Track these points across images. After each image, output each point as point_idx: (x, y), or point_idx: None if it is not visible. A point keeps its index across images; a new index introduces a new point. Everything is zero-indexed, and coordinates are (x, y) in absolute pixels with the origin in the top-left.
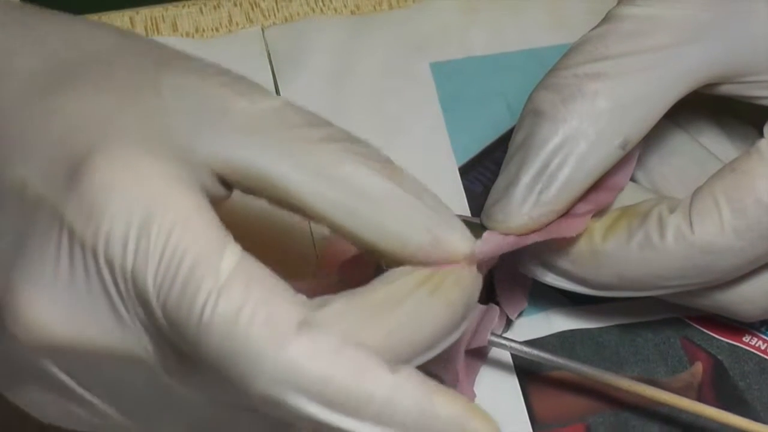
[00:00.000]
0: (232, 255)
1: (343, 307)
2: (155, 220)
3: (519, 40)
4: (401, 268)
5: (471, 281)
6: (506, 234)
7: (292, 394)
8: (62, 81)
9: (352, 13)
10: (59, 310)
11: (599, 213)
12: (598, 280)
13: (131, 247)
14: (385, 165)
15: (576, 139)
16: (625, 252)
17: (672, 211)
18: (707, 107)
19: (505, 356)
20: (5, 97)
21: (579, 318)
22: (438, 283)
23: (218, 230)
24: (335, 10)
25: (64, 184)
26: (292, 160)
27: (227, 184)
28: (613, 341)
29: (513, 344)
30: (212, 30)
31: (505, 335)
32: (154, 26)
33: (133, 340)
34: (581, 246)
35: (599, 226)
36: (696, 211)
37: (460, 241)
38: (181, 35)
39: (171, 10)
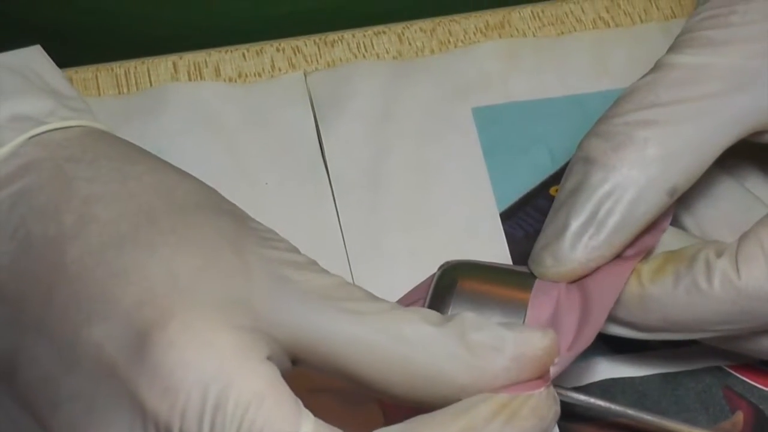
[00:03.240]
0: (306, 429)
1: None
2: (231, 396)
3: (560, 86)
4: (477, 396)
5: (548, 407)
6: (554, 281)
7: None
8: (143, 232)
9: (395, 58)
10: None
11: (644, 256)
12: (644, 324)
13: (207, 423)
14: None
15: (626, 187)
16: (672, 296)
17: (719, 255)
18: (753, 153)
19: None
20: (86, 247)
21: (621, 366)
22: (515, 411)
23: (292, 404)
24: (377, 55)
25: (138, 352)
26: (359, 327)
27: (292, 357)
28: (655, 390)
29: (565, 392)
30: (255, 75)
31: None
32: (198, 71)
33: None
34: (629, 290)
35: (646, 269)
36: (742, 256)
37: (542, 348)
38: (224, 80)
39: (214, 55)
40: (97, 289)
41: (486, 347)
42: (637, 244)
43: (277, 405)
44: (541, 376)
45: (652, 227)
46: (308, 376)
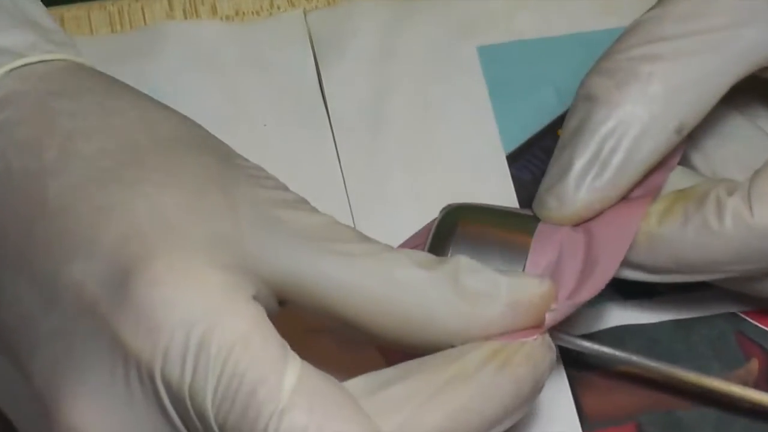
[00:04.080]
0: (293, 373)
1: (406, 390)
2: (215, 336)
3: (568, 24)
4: (470, 344)
5: (542, 354)
6: (559, 224)
7: None
8: (127, 168)
9: None
10: (110, 423)
11: (652, 196)
12: (654, 265)
13: (190, 364)
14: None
15: (630, 124)
16: (682, 236)
17: (730, 193)
18: (765, 91)
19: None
20: (69, 182)
21: (631, 313)
22: (507, 358)
23: (278, 346)
24: None
25: (121, 290)
26: (348, 269)
27: (279, 298)
28: (666, 337)
29: (570, 339)
30: (253, 13)
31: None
32: (193, 9)
33: None
34: (638, 230)
35: (654, 209)
36: (756, 194)
37: (538, 295)
38: (221, 18)
39: None
40: (79, 226)
41: (479, 292)
42: (645, 185)
43: (263, 347)
44: (538, 325)
45: (660, 166)
46: (305, 316)
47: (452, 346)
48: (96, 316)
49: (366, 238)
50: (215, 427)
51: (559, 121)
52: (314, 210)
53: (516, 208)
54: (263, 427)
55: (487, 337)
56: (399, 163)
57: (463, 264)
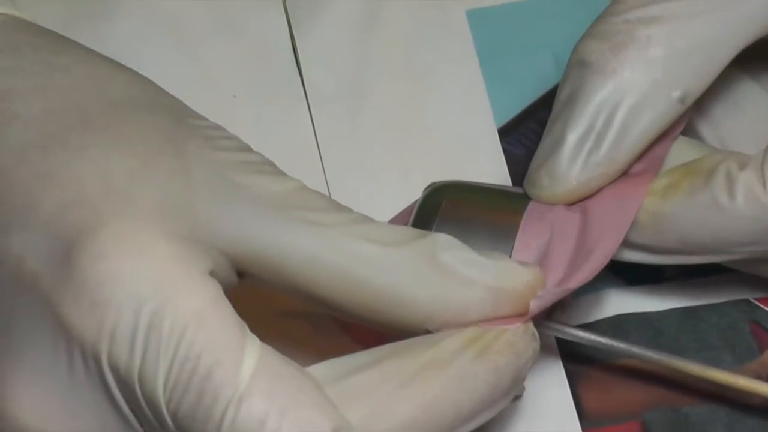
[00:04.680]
0: (252, 355)
1: (376, 377)
2: (167, 314)
3: None
4: (446, 331)
5: (525, 344)
6: (552, 203)
7: None
8: (73, 131)
9: None
10: (53, 410)
11: (654, 170)
12: (658, 246)
13: (139, 346)
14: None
15: (627, 92)
16: (689, 213)
17: (742, 167)
18: None
19: (550, 343)
20: (6, 146)
21: (634, 300)
22: (485, 346)
23: (236, 325)
24: None
25: (63, 263)
26: (315, 242)
27: (238, 271)
28: (673, 326)
29: (564, 328)
30: None
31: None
32: None
33: None
34: (640, 210)
35: (657, 185)
36: None
37: (523, 282)
38: None
39: None
40: (19, 193)
41: (458, 273)
42: (646, 158)
43: (219, 327)
44: (522, 313)
45: (662, 137)
46: (280, 298)
47: (428, 331)
48: (36, 292)
49: (338, 207)
50: (167, 416)
51: (555, 93)
52: (280, 173)
53: (506, 186)
54: (220, 415)
55: (465, 324)
56: (381, 139)
57: (442, 241)
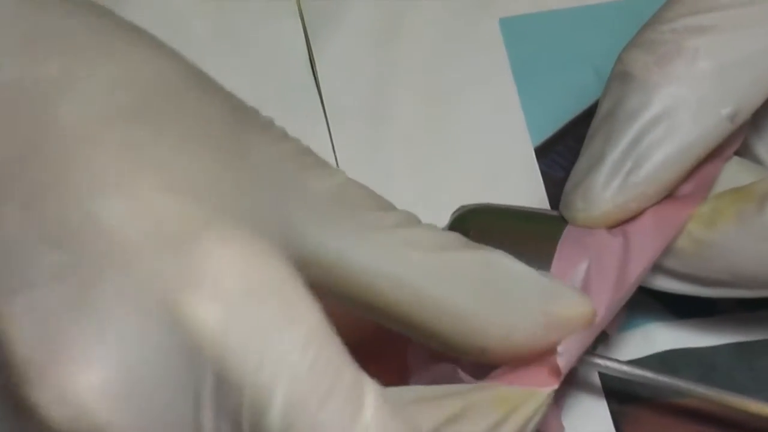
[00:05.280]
0: (372, 392)
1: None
2: (287, 336)
3: None
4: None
5: (544, 410)
6: (588, 227)
7: None
8: (143, 112)
9: None
10: (130, 398)
11: (703, 193)
12: (706, 276)
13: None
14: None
15: (673, 108)
16: (738, 244)
17: None
18: None
19: (592, 380)
20: (83, 109)
21: (684, 335)
22: (514, 409)
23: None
24: None
25: (170, 247)
26: (370, 247)
27: None
28: (727, 363)
29: (609, 363)
30: None
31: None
32: None
33: None
34: (683, 236)
35: (703, 210)
36: None
37: (578, 313)
38: None
39: None
40: (109, 160)
41: (514, 289)
42: (695, 180)
43: (338, 352)
44: (551, 369)
45: (712, 156)
46: None
47: (483, 351)
48: (136, 265)
49: (386, 205)
50: None
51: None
52: (326, 164)
53: (542, 209)
54: None
55: (513, 347)
56: (406, 159)
57: (496, 253)
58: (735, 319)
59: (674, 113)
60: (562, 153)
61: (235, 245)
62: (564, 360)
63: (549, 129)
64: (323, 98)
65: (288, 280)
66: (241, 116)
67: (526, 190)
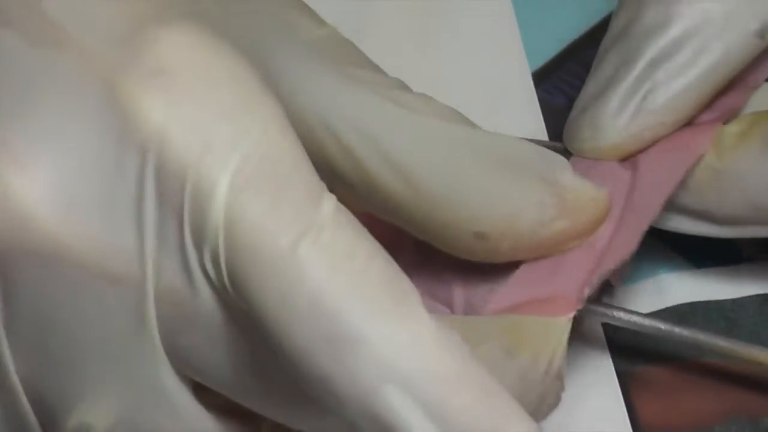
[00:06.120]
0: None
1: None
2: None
3: None
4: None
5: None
6: (595, 159)
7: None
8: None
9: None
10: (78, 207)
11: (725, 120)
12: (723, 212)
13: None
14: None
15: (695, 24)
16: (762, 171)
17: None
18: None
19: (596, 335)
20: None
21: (704, 286)
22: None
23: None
24: None
25: (132, 44)
26: (354, 100)
27: None
28: (750, 318)
29: (614, 312)
30: None
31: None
32: None
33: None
34: (701, 165)
35: (723, 136)
36: None
37: (591, 197)
38: None
39: None
40: None
41: (514, 170)
42: (718, 107)
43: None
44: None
45: (738, 83)
46: None
47: (476, 235)
48: (80, 51)
49: (375, 66)
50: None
51: (605, 26)
52: (318, 18)
53: (542, 141)
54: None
55: (515, 230)
56: None
57: (498, 136)
58: (759, 268)
59: (696, 30)
60: (563, 78)
61: (186, 34)
62: (574, 284)
63: (549, 51)
64: None
65: (243, 72)
66: None
67: (523, 118)
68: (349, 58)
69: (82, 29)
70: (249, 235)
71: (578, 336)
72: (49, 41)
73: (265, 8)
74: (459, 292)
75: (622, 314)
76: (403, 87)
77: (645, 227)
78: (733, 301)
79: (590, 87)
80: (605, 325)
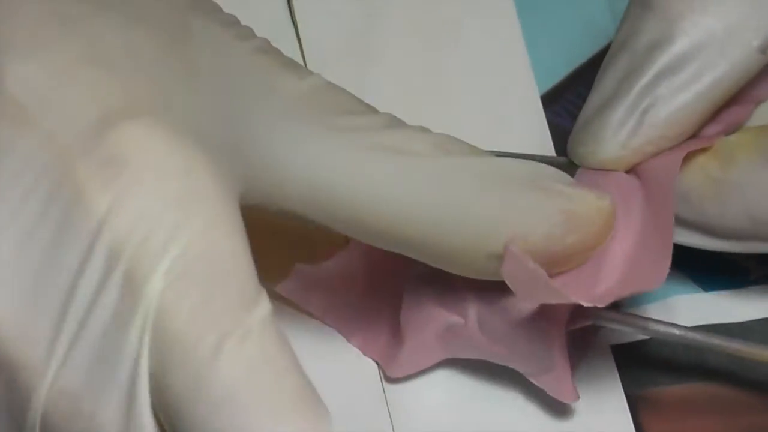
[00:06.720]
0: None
1: None
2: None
3: None
4: None
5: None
6: (596, 169)
7: None
8: None
9: None
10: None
11: (728, 133)
12: (725, 225)
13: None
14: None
15: (697, 39)
16: (761, 183)
17: None
18: None
19: (605, 359)
20: None
21: (713, 309)
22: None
23: (253, 273)
24: None
25: (91, 131)
26: (351, 154)
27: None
28: (761, 341)
29: (630, 318)
30: None
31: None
32: None
33: None
34: (697, 176)
35: (723, 147)
36: None
37: (596, 207)
38: None
39: None
40: (28, 24)
41: (523, 189)
42: (722, 121)
43: (244, 267)
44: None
45: (742, 97)
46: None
47: (488, 260)
48: (35, 129)
49: (367, 108)
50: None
51: None
52: (297, 66)
53: (547, 156)
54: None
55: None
56: (396, 109)
57: (502, 159)
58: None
59: (701, 48)
60: (572, 100)
61: (147, 126)
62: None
63: (557, 74)
64: (302, 42)
65: (197, 167)
66: (200, 6)
67: (532, 141)
68: (332, 107)
69: (44, 112)
70: (176, 325)
71: (588, 359)
72: (7, 118)
73: (244, 70)
74: (473, 304)
75: (660, 327)
76: (392, 125)
77: (670, 228)
78: (741, 324)
79: (594, 99)
80: (615, 348)
